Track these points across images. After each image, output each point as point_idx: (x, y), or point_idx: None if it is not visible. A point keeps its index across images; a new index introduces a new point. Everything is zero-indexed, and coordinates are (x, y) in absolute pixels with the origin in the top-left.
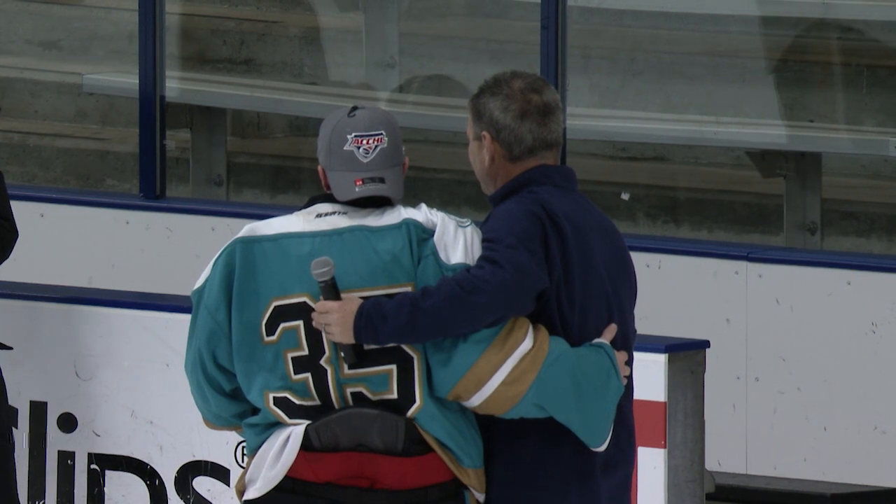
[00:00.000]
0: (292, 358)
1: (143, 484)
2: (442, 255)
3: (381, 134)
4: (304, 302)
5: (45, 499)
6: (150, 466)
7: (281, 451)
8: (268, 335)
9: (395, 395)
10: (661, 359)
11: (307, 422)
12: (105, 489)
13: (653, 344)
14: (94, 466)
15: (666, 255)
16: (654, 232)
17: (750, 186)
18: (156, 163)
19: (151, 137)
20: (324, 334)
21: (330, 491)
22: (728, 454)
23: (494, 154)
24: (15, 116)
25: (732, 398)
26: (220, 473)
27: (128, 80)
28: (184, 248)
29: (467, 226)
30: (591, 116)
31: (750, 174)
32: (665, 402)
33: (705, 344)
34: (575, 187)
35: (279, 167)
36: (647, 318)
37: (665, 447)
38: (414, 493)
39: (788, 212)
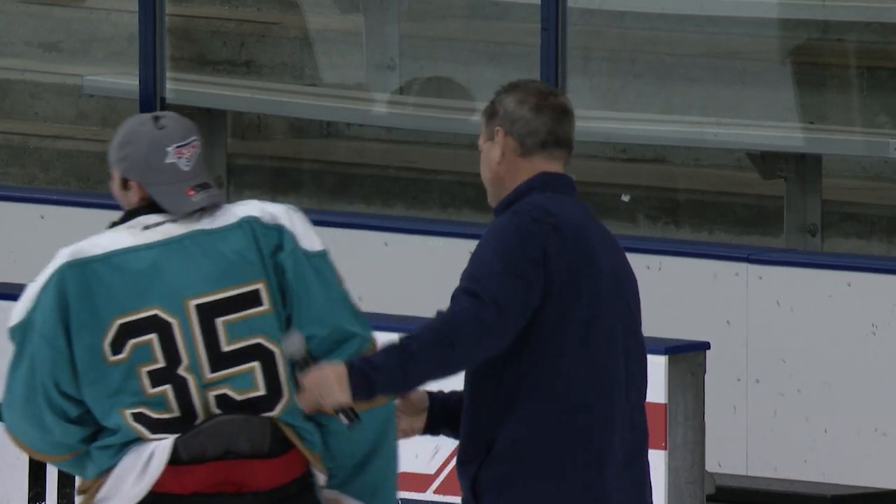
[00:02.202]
0: (147, 372)
1: None
2: (305, 245)
3: (195, 140)
4: (156, 315)
5: (45, 500)
6: None
7: (146, 468)
8: (113, 354)
9: (262, 392)
10: (661, 360)
11: (170, 436)
12: None
13: (653, 346)
14: None
15: (666, 257)
16: (655, 233)
17: (750, 188)
18: None
19: None
20: (190, 348)
21: (196, 501)
22: (728, 456)
23: (505, 149)
24: (15, 118)
25: (733, 400)
26: None
27: (128, 81)
28: None
29: (293, 209)
30: (591, 118)
31: (750, 176)
32: (665, 404)
33: (706, 345)
34: (574, 195)
35: (279, 169)
36: (648, 319)
37: (666, 449)
38: (277, 491)
39: (789, 213)
